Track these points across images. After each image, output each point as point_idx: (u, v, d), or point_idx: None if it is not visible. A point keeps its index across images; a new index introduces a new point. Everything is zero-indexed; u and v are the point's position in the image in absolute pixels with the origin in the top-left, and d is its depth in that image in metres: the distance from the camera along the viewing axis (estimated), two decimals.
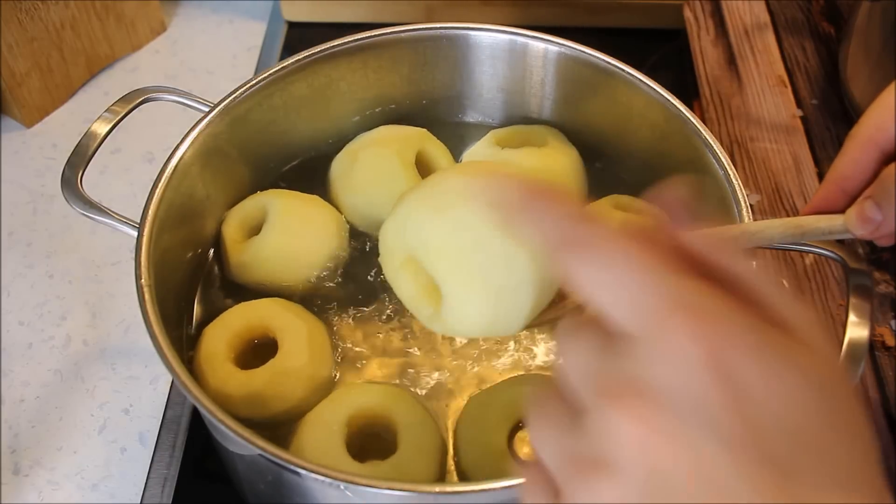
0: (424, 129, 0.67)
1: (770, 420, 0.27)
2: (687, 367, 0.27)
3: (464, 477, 0.53)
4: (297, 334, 0.56)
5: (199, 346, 0.56)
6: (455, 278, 0.45)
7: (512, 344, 0.59)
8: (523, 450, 0.53)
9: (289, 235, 0.60)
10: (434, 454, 0.52)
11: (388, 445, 0.52)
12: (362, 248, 0.64)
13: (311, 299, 0.61)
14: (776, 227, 0.49)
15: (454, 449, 0.54)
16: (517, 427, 0.53)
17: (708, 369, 0.27)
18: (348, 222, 0.64)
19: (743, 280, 0.30)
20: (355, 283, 0.62)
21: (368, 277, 0.62)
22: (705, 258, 0.31)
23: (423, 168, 0.65)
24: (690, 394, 0.27)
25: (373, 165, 0.63)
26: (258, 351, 0.56)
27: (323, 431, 0.52)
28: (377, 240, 0.49)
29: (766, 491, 0.26)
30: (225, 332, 0.56)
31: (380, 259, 0.49)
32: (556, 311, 0.51)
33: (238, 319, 0.57)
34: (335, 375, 0.57)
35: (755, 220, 0.52)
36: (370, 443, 0.53)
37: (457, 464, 0.54)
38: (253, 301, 0.58)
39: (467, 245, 0.44)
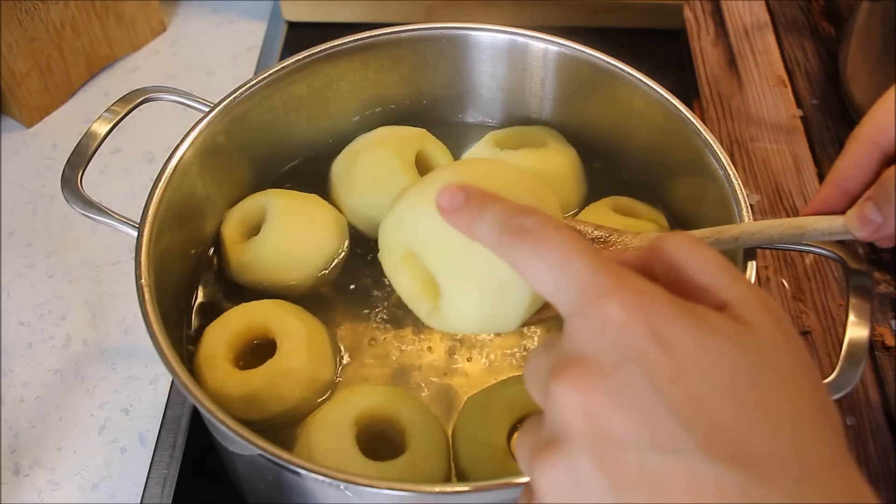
0: (424, 130, 0.67)
1: (711, 386, 0.27)
2: (618, 331, 0.28)
3: (462, 476, 0.53)
4: (296, 335, 0.55)
5: (199, 347, 0.56)
6: (452, 273, 0.45)
7: (513, 344, 0.59)
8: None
9: (288, 235, 0.60)
10: (443, 451, 0.53)
11: (394, 445, 0.52)
12: (363, 247, 0.64)
13: (312, 299, 0.61)
14: (776, 228, 0.49)
15: (453, 449, 0.54)
16: (516, 426, 0.53)
17: (639, 332, 0.28)
18: (350, 224, 0.64)
19: (679, 268, 0.31)
20: (356, 283, 0.62)
21: (369, 277, 0.62)
22: (645, 255, 0.32)
23: (424, 168, 0.64)
24: (626, 356, 0.28)
25: (373, 166, 0.63)
26: (258, 352, 0.56)
27: (331, 434, 0.51)
28: (378, 240, 0.49)
29: (716, 452, 0.26)
30: (224, 332, 0.56)
31: (379, 255, 0.49)
32: (552, 310, 0.51)
33: (238, 320, 0.57)
34: (336, 377, 0.57)
35: (755, 220, 0.52)
36: (375, 443, 0.53)
37: (455, 463, 0.54)
38: (253, 302, 0.58)
39: (464, 240, 0.44)
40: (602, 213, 0.62)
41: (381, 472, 0.50)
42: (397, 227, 0.47)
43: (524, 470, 0.30)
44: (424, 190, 0.47)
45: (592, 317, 0.28)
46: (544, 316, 0.50)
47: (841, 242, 0.50)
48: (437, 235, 0.45)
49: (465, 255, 0.44)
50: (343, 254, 0.63)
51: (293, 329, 0.56)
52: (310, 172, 0.68)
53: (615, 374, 0.27)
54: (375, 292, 0.62)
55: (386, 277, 0.50)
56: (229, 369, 0.54)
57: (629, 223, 0.60)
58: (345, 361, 0.58)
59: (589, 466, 0.27)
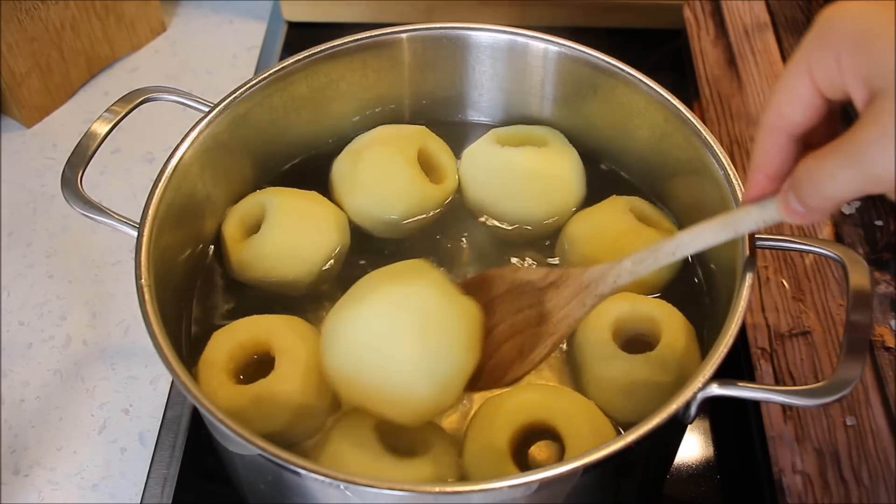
0: (424, 127, 0.67)
1: None
2: None
3: (463, 475, 0.53)
4: (294, 358, 0.53)
5: (204, 350, 0.55)
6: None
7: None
8: (526, 455, 0.53)
9: (288, 231, 0.60)
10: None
11: (414, 438, 0.52)
12: (365, 244, 0.64)
13: (313, 295, 0.61)
14: (708, 230, 0.48)
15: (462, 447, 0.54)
16: (523, 433, 0.53)
17: None
18: (353, 223, 0.64)
19: None
20: (357, 279, 0.62)
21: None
22: None
23: (426, 164, 0.65)
24: None
25: (377, 165, 0.63)
26: (263, 368, 0.54)
27: (355, 437, 0.51)
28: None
29: None
30: (229, 341, 0.55)
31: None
32: (524, 367, 0.51)
33: (245, 331, 0.55)
34: (333, 412, 0.55)
35: None
36: (397, 440, 0.52)
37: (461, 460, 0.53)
38: (265, 315, 0.57)
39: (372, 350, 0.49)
40: (619, 214, 0.61)
41: (409, 470, 0.49)
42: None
43: None
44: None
45: None
46: (516, 376, 0.52)
47: (840, 242, 0.50)
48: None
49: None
50: (344, 248, 0.62)
51: (293, 351, 0.54)
52: (310, 172, 0.68)
53: None
54: None
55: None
56: (223, 379, 0.53)
57: (644, 231, 0.60)
58: None
59: None
